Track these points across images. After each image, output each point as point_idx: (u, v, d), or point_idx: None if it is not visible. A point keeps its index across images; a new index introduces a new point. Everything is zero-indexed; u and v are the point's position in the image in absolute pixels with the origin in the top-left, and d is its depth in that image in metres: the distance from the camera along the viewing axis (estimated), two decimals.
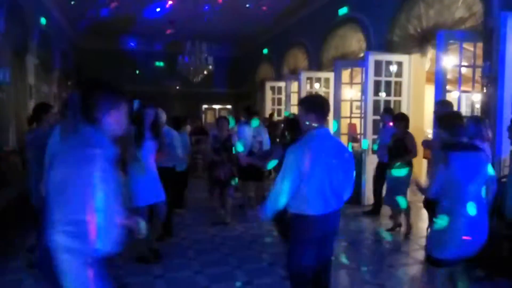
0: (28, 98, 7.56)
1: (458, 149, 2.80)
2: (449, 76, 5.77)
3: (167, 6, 9.83)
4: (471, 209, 2.75)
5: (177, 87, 13.35)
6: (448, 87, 5.57)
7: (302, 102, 2.90)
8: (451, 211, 2.77)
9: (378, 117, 6.75)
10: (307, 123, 2.77)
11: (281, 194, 2.70)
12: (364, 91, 7.16)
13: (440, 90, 5.37)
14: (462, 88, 5.64)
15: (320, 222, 2.75)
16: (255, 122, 6.84)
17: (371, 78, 6.85)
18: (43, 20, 8.76)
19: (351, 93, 8.46)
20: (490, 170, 2.97)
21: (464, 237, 2.74)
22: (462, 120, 3.04)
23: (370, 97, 6.88)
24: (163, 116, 5.12)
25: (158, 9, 10.08)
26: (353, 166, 2.95)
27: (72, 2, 8.75)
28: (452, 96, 6.77)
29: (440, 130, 3.00)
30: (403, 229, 5.61)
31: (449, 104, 4.57)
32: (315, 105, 2.80)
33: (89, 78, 2.37)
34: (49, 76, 9.65)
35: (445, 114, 3.27)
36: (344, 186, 2.87)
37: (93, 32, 12.95)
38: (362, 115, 7.32)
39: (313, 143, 2.71)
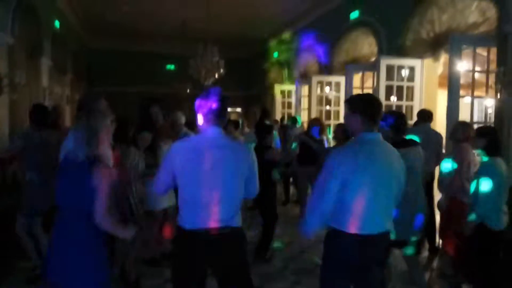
0: (42, 99, 7.64)
1: (403, 146, 3.21)
2: (462, 81, 5.73)
3: None
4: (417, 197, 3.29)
5: (188, 90, 13.43)
6: (460, 92, 5.53)
7: (348, 101, 2.56)
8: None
9: None
10: (353, 125, 2.45)
11: (323, 202, 2.33)
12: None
13: (453, 95, 5.33)
14: (475, 93, 5.59)
15: (359, 244, 2.33)
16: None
17: (383, 82, 6.83)
18: (57, 23, 8.86)
19: None
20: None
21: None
22: (406, 120, 3.63)
23: (382, 102, 6.84)
24: (182, 119, 5.10)
25: None
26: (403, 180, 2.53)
27: None
28: (465, 101, 6.72)
29: (386, 126, 3.43)
30: None
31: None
32: (362, 105, 2.44)
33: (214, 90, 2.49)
34: (62, 78, 9.76)
35: (392, 112, 3.89)
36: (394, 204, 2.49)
37: (105, 33, 13.09)
38: None
39: (360, 148, 2.36)
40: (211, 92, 2.47)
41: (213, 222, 2.30)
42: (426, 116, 5.54)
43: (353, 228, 2.31)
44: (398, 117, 3.57)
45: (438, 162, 4.80)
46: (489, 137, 3.48)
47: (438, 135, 5.53)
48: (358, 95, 2.93)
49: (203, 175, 2.28)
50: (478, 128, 3.89)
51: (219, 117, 2.42)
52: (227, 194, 2.32)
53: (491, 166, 3.39)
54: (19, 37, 6.60)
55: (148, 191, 3.98)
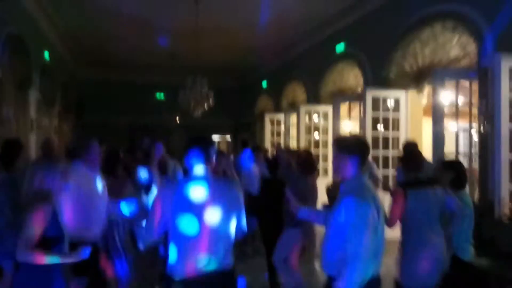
0: (29, 132, 7.60)
1: (416, 186, 3.17)
2: (446, 110, 5.85)
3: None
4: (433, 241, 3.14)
5: (177, 119, 13.48)
6: (445, 122, 5.63)
7: (341, 143, 2.47)
8: (415, 243, 3.14)
9: (377, 152, 6.82)
10: (348, 168, 2.38)
11: (363, 263, 2.18)
12: (362, 127, 7.25)
13: (437, 127, 5.45)
14: (460, 121, 5.71)
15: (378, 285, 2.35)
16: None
17: (369, 113, 6.96)
18: (46, 55, 8.91)
19: (349, 125, 8.54)
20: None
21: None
22: (416, 157, 3.51)
23: (369, 132, 6.96)
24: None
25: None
26: None
27: None
28: (450, 130, 6.85)
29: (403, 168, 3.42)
30: None
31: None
32: (359, 148, 2.42)
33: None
34: (51, 110, 9.73)
35: (406, 155, 3.72)
36: None
37: (94, 64, 13.17)
38: None
39: (369, 193, 2.32)
40: (195, 137, 2.55)
41: (208, 266, 2.28)
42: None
43: (375, 270, 2.31)
44: (406, 154, 3.60)
45: None
46: (455, 170, 3.52)
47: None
48: (350, 137, 2.88)
49: (195, 218, 2.27)
50: (444, 162, 3.92)
51: (205, 159, 2.44)
52: (221, 235, 2.33)
53: (462, 199, 3.42)
54: (8, 69, 6.61)
55: (136, 230, 3.94)
